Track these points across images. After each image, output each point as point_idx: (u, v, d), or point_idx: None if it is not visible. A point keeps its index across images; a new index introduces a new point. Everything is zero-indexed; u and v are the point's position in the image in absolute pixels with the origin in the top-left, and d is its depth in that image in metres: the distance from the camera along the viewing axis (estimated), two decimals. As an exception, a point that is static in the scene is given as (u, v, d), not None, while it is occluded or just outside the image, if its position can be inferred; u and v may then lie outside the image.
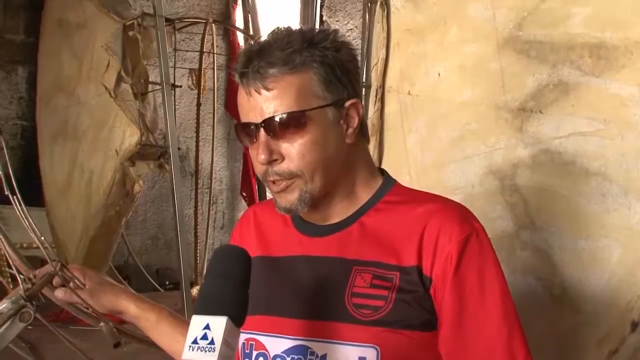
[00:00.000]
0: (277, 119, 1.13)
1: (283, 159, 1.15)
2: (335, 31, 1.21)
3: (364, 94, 2.16)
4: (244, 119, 1.17)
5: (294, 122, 1.13)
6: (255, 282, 1.06)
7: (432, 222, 1.13)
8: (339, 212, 1.22)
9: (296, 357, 1.14)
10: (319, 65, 1.14)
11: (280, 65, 1.12)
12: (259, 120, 1.14)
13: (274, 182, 1.17)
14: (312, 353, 1.12)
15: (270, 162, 1.15)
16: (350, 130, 1.19)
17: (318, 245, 1.21)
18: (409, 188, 1.28)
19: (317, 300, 1.15)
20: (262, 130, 1.14)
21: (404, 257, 1.13)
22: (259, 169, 1.18)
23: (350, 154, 1.21)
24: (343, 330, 1.11)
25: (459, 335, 1.11)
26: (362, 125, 1.23)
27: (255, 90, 1.14)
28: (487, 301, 1.11)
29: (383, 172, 1.29)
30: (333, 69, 1.15)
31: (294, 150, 1.15)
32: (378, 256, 1.15)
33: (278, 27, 1.20)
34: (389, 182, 1.26)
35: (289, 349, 1.14)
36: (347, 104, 1.18)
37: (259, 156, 1.15)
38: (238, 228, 1.37)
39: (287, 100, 1.13)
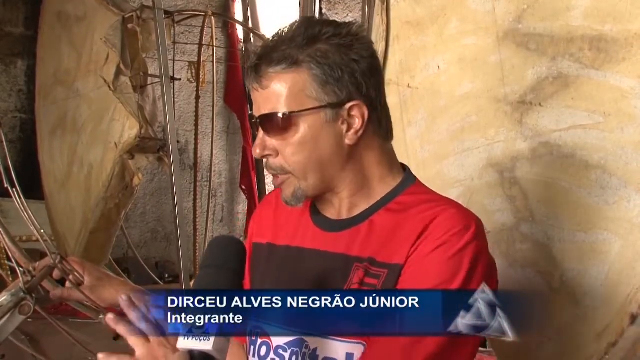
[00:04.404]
0: (267, 117, 1.15)
1: (277, 154, 1.17)
2: (350, 25, 1.17)
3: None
4: (253, 111, 1.20)
5: (280, 123, 1.14)
6: (264, 269, 1.07)
7: (434, 224, 1.12)
8: (352, 207, 1.22)
9: (295, 349, 1.16)
10: (316, 65, 1.13)
11: (275, 64, 1.13)
12: (257, 115, 1.17)
13: (275, 175, 1.20)
14: (307, 346, 1.15)
15: (264, 156, 1.17)
16: (351, 132, 1.17)
17: (328, 240, 1.21)
18: (426, 188, 1.25)
19: None
20: (260, 126, 1.17)
21: (395, 255, 1.13)
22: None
23: (353, 154, 1.19)
24: None
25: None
26: (380, 123, 1.21)
27: (254, 88, 1.16)
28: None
29: (405, 169, 1.27)
30: (332, 69, 1.13)
31: (284, 149, 1.16)
32: (375, 254, 1.15)
33: (296, 20, 1.19)
34: (407, 180, 1.23)
35: (291, 341, 1.16)
36: (348, 105, 1.16)
37: (254, 150, 1.17)
38: (259, 209, 1.38)
39: (276, 100, 1.14)
